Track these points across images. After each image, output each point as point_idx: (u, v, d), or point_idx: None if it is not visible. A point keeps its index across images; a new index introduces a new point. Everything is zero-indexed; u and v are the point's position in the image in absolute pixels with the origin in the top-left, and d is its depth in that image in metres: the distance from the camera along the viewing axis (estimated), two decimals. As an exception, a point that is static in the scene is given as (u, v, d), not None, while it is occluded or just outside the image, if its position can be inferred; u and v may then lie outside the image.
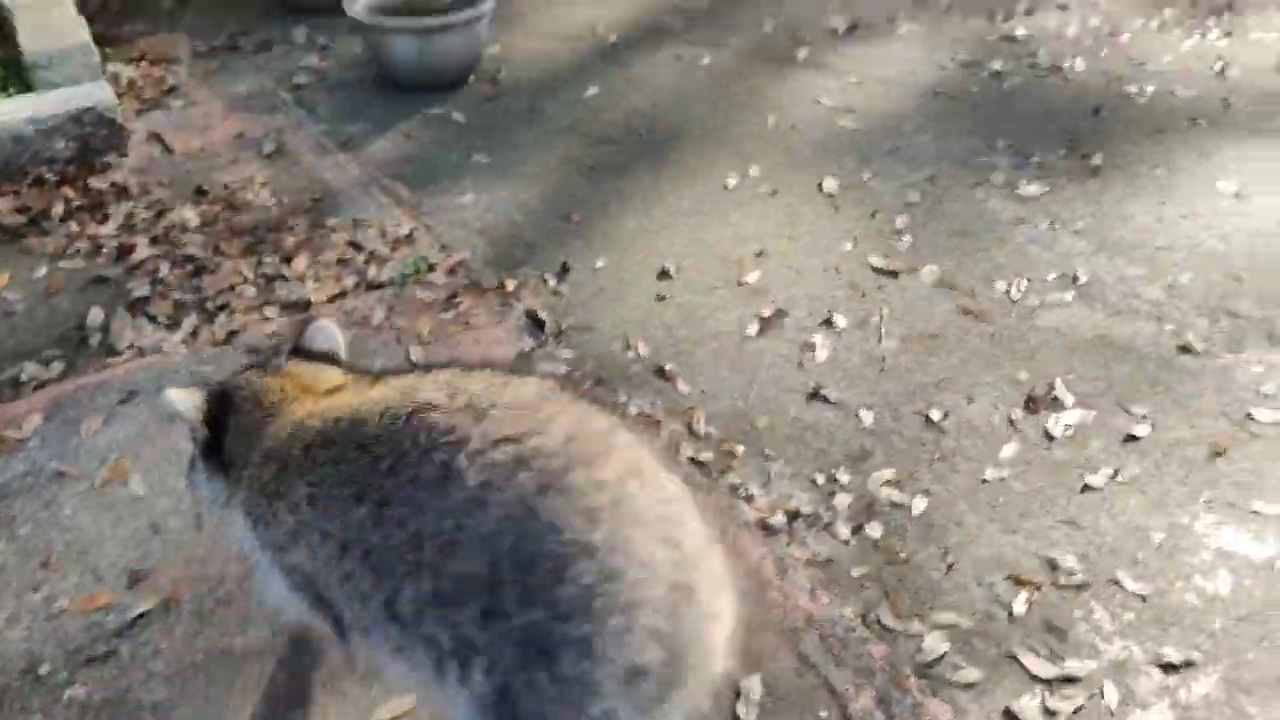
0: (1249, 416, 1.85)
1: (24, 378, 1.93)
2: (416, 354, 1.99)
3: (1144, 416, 1.85)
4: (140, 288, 2.16)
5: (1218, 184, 2.55)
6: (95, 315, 2.08)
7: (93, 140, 2.57)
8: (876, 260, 2.28)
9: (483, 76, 3.06)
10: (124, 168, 2.59)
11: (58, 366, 1.96)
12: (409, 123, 2.83)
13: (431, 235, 2.37)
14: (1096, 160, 2.65)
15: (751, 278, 2.24)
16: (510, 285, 2.19)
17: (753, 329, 2.09)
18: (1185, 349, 2.02)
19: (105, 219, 2.37)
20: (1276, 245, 2.32)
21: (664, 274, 2.25)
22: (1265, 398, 1.90)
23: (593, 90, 3.00)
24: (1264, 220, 2.40)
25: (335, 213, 2.43)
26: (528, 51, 3.23)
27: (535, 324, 2.08)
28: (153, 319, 2.08)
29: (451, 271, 2.23)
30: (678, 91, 3.01)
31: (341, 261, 2.25)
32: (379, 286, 2.17)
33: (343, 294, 2.15)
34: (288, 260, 2.24)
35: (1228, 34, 3.32)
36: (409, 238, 2.34)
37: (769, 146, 2.74)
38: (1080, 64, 3.13)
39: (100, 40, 2.91)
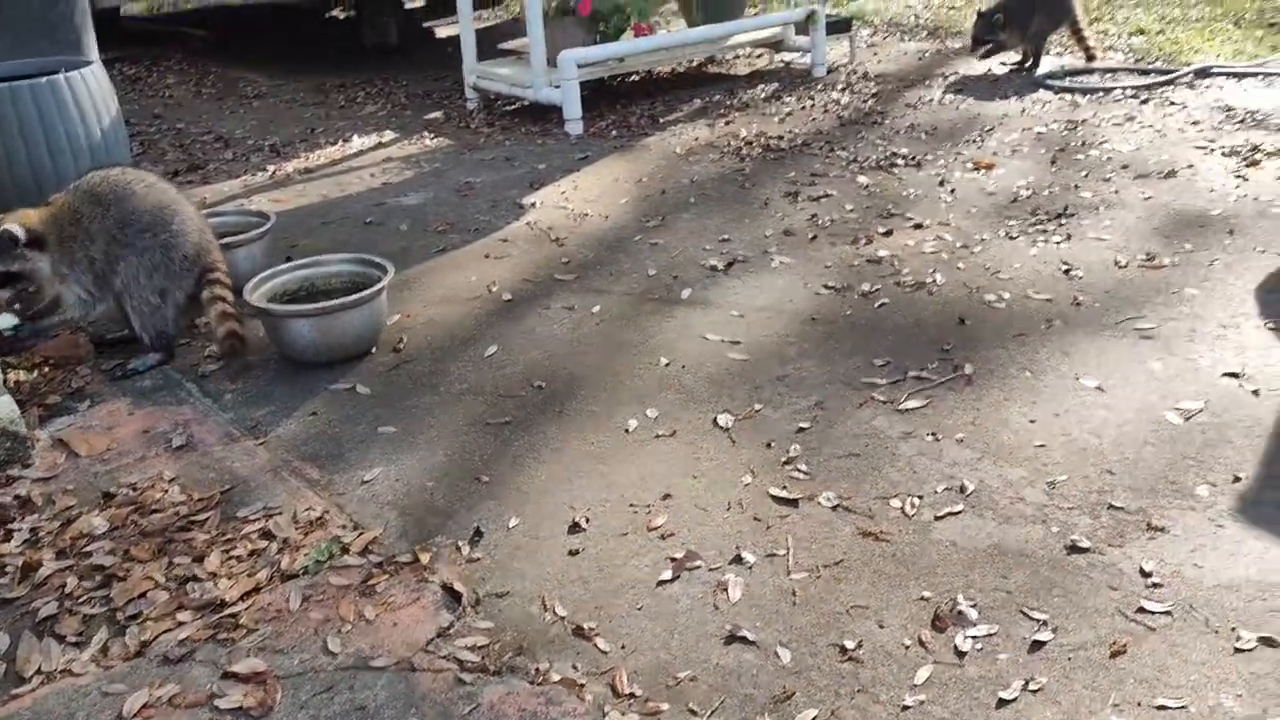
0: (1141, 610, 1.95)
1: (-74, 720, 1.87)
2: (335, 644, 1.99)
3: (1045, 622, 1.93)
4: (47, 606, 2.13)
5: (1081, 380, 2.75)
6: (0, 642, 2.04)
7: (-5, 455, 2.58)
8: (776, 491, 2.38)
9: (385, 347, 3.17)
10: (28, 479, 2.59)
11: (-38, 703, 1.90)
12: (314, 401, 2.91)
13: (344, 514, 2.40)
14: (968, 369, 2.84)
15: (660, 521, 2.31)
16: (425, 558, 2.22)
17: (667, 574, 2.14)
18: (1073, 549, 2.13)
19: (9, 536, 2.35)
20: (1140, 434, 2.49)
21: (575, 526, 2.31)
22: (1153, 589, 2.00)
23: (493, 349, 3.13)
24: (1125, 412, 2.59)
25: (246, 503, 2.45)
26: (428, 317, 3.37)
27: (452, 596, 2.11)
28: (60, 638, 2.05)
29: (365, 551, 2.25)
30: (573, 342, 3.15)
31: (255, 554, 2.26)
32: (294, 576, 2.18)
33: (257, 589, 2.15)
34: (200, 559, 2.24)
35: (1068, 237, 3.64)
36: (321, 520, 2.37)
37: (664, 386, 2.87)
38: (941, 278, 3.39)
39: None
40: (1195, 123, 4.79)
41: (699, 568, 2.16)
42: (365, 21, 7.44)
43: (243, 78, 7.10)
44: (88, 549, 2.31)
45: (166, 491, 2.51)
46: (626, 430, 2.67)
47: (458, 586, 2.12)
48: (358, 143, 5.41)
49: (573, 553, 2.23)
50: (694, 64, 6.48)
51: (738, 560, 2.17)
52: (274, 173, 4.96)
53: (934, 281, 3.37)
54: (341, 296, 3.10)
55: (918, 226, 3.83)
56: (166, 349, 3.16)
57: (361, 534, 2.31)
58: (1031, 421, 2.59)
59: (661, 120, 5.48)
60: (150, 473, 2.60)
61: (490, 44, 7.31)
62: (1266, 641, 1.86)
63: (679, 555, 2.19)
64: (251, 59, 7.68)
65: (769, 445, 2.57)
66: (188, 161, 5.18)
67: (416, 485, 2.50)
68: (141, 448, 2.72)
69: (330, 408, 2.87)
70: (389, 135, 5.52)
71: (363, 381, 2.99)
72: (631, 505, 2.37)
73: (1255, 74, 5.46)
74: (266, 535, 2.33)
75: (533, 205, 4.35)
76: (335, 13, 9.26)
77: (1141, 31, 6.58)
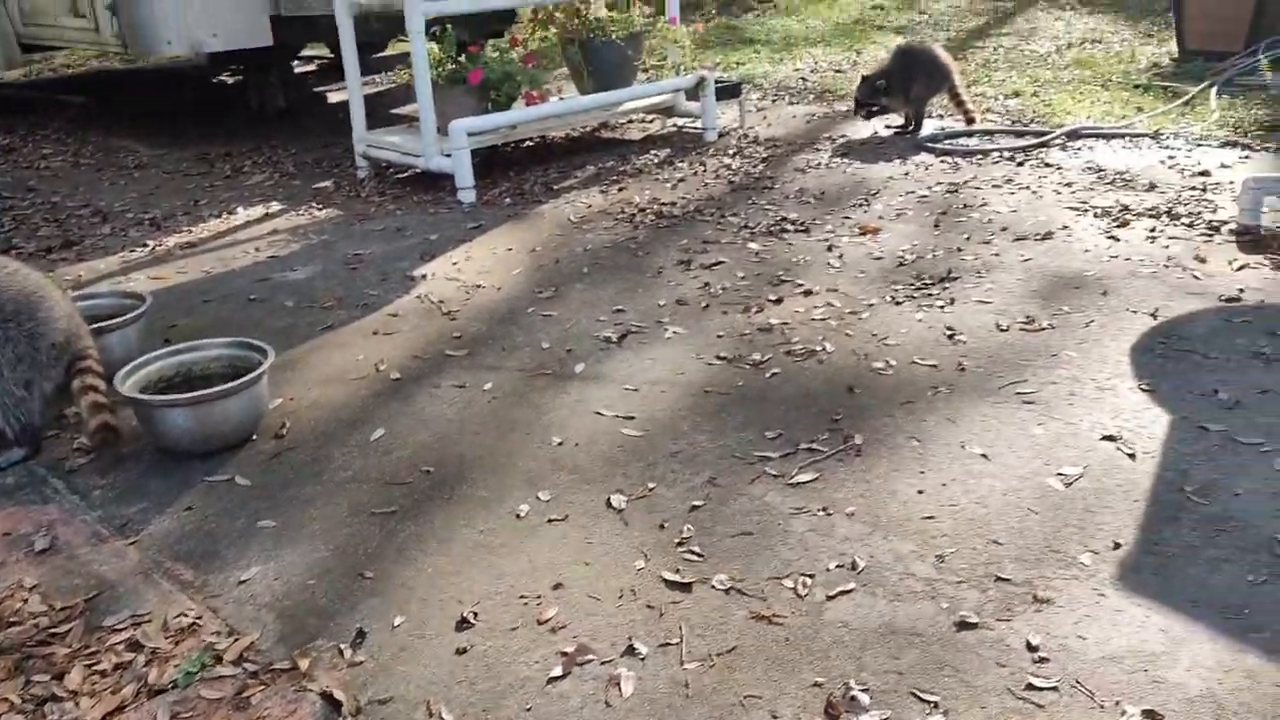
0: (1030, 687, 1.95)
1: None
2: (205, 766, 1.88)
3: (936, 705, 1.93)
4: (-113, 738, 1.97)
5: (967, 448, 2.79)
6: None
7: None
8: (669, 575, 2.35)
9: (266, 434, 3.06)
10: (-128, 593, 2.41)
11: None
12: (190, 494, 2.78)
13: (218, 619, 2.28)
14: (858, 439, 2.86)
15: (551, 613, 2.25)
16: (304, 664, 2.12)
17: (557, 670, 2.08)
18: (963, 625, 2.13)
19: None
20: (1025, 502, 2.53)
21: (464, 622, 2.24)
22: (1040, 664, 2.01)
23: (379, 432, 3.05)
24: (1010, 479, 2.63)
25: (113, 610, 2.32)
26: (311, 400, 3.27)
27: (332, 705, 2.01)
28: (-98, 774, 1.89)
29: (240, 659, 2.14)
30: (463, 422, 3.09)
31: (120, 668, 2.13)
32: (162, 691, 2.06)
33: (121, 707, 2.02)
34: (60, 676, 2.11)
35: (952, 301, 3.72)
36: (193, 627, 2.25)
37: (556, 467, 2.82)
38: (830, 346, 3.43)
39: None
40: (1069, 184, 4.97)
41: (591, 662, 2.10)
42: (252, 87, 7.31)
43: (124, 147, 6.91)
44: (-64, 670, 2.15)
45: (26, 601, 2.36)
46: (518, 516, 2.61)
47: (338, 695, 2.03)
48: (243, 214, 5.29)
49: (460, 651, 2.15)
50: (588, 129, 6.53)
51: (630, 651, 2.12)
52: (154, 248, 4.80)
53: (824, 350, 3.41)
54: (220, 383, 2.99)
55: (807, 293, 3.88)
56: (32, 443, 3.00)
57: (236, 640, 2.20)
58: (920, 492, 2.61)
59: (555, 187, 5.49)
60: (9, 581, 2.44)
61: (383, 109, 7.28)
62: (1149, 715, 1.88)
63: (570, 649, 2.13)
64: (134, 127, 7.49)
65: (662, 526, 2.54)
66: (62, 237, 4.99)
67: (296, 584, 2.40)
68: (2, 552, 2.56)
69: (207, 501, 2.75)
70: (276, 206, 5.41)
71: (242, 472, 2.88)
72: (522, 597, 2.31)
73: (1122, 135, 5.72)
74: (134, 646, 2.20)
75: (424, 277, 4.29)
76: (223, 77, 9.11)
77: (1017, 94, 6.85)
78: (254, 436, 3.05)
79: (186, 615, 2.29)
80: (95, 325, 3.36)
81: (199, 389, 2.99)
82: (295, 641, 2.20)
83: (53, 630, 2.26)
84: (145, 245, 4.85)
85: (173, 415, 2.91)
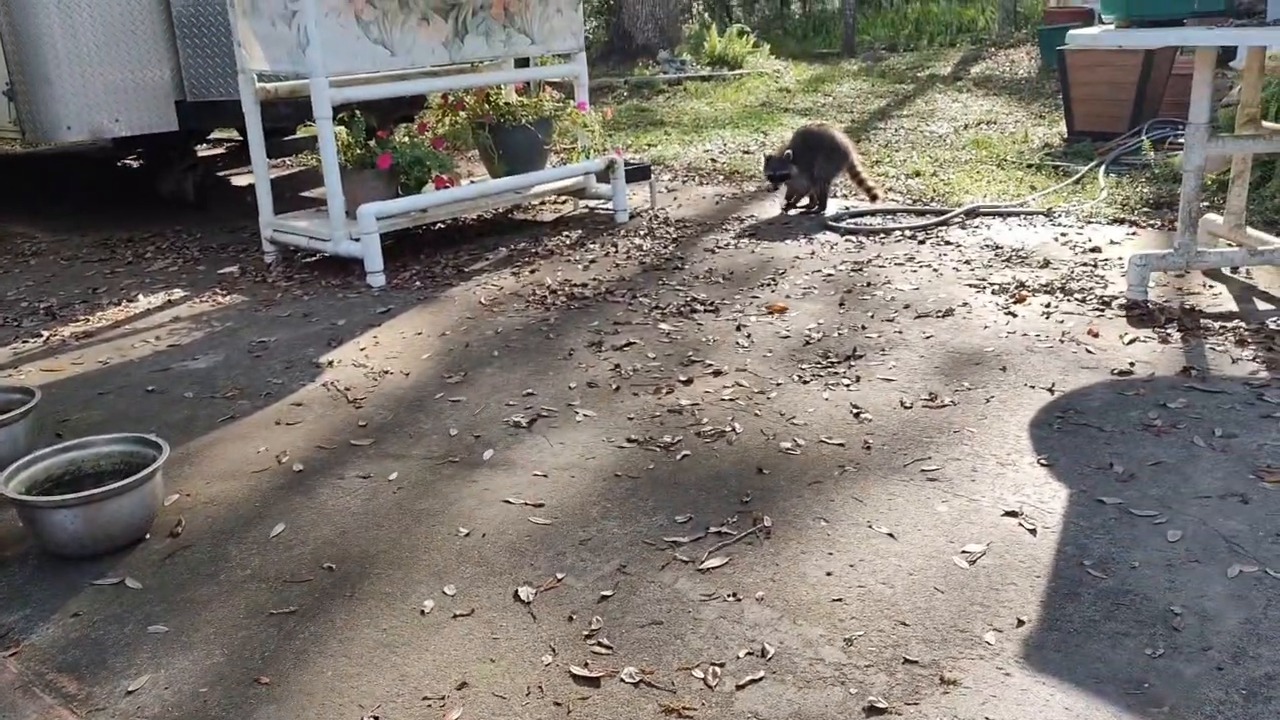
0: (938, 773, 1.95)
1: None
2: None
3: (846, 796, 1.91)
4: None
5: (873, 526, 2.81)
6: None
7: None
8: (577, 669, 2.30)
9: (160, 532, 2.95)
10: None
11: None
12: (77, 600, 2.66)
13: (102, 734, 2.17)
14: (767, 521, 2.86)
15: (455, 715, 2.18)
16: (193, 780, 2.02)
17: (462, 775, 2.02)
18: (871, 710, 2.12)
19: None
20: (930, 582, 2.55)
21: (364, 728, 2.16)
22: (948, 749, 2.01)
23: (280, 528, 2.96)
24: (916, 558, 2.65)
25: (-14, 729, 2.19)
26: (209, 495, 3.17)
27: (222, 825, 1.91)
28: None
29: (124, 778, 2.03)
30: (367, 515, 3.02)
31: (-9, 793, 2.01)
32: (36, 818, 1.94)
33: (-9, 838, 1.89)
34: (-77, 806, 1.97)
35: (857, 379, 3.78)
36: (74, 744, 2.13)
37: (463, 559, 2.77)
38: (739, 426, 3.45)
39: None
40: (968, 261, 5.13)
41: (496, 765, 2.04)
42: (160, 174, 7.19)
43: (21, 233, 6.73)
44: None
45: (-109, 724, 2.22)
46: (422, 612, 2.55)
47: (228, 813, 1.93)
48: (144, 302, 5.17)
49: (360, 759, 2.07)
50: (500, 211, 6.55)
51: (537, 752, 2.07)
52: (48, 339, 4.66)
53: (733, 430, 3.42)
54: (111, 481, 2.89)
55: (717, 373, 3.91)
56: (-94, 549, 2.85)
57: (121, 757, 2.09)
58: (828, 574, 2.61)
59: (467, 270, 5.48)
60: (-127, 702, 2.29)
61: (292, 192, 7.23)
62: (1056, 797, 1.88)
63: (474, 752, 2.07)
64: (31, 212, 7.31)
65: (570, 618, 2.49)
66: (-50, 328, 4.82)
67: (188, 693, 2.29)
68: None
69: (95, 607, 2.63)
70: (179, 293, 5.30)
71: (133, 574, 2.76)
72: (425, 699, 2.24)
73: (1017, 213, 5.93)
74: (8, 769, 2.07)
75: (330, 364, 4.22)
76: (128, 161, 8.96)
77: (918, 173, 7.08)
78: (147, 536, 2.93)
79: (67, 732, 2.17)
80: (-21, 422, 3.23)
81: (89, 487, 2.88)
82: (184, 756, 2.10)
83: (-81, 755, 2.12)
84: (39, 336, 4.70)
85: (59, 517, 2.79)
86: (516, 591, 2.61)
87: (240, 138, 9.37)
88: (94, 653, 2.45)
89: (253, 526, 2.98)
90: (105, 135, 6.35)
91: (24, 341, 4.64)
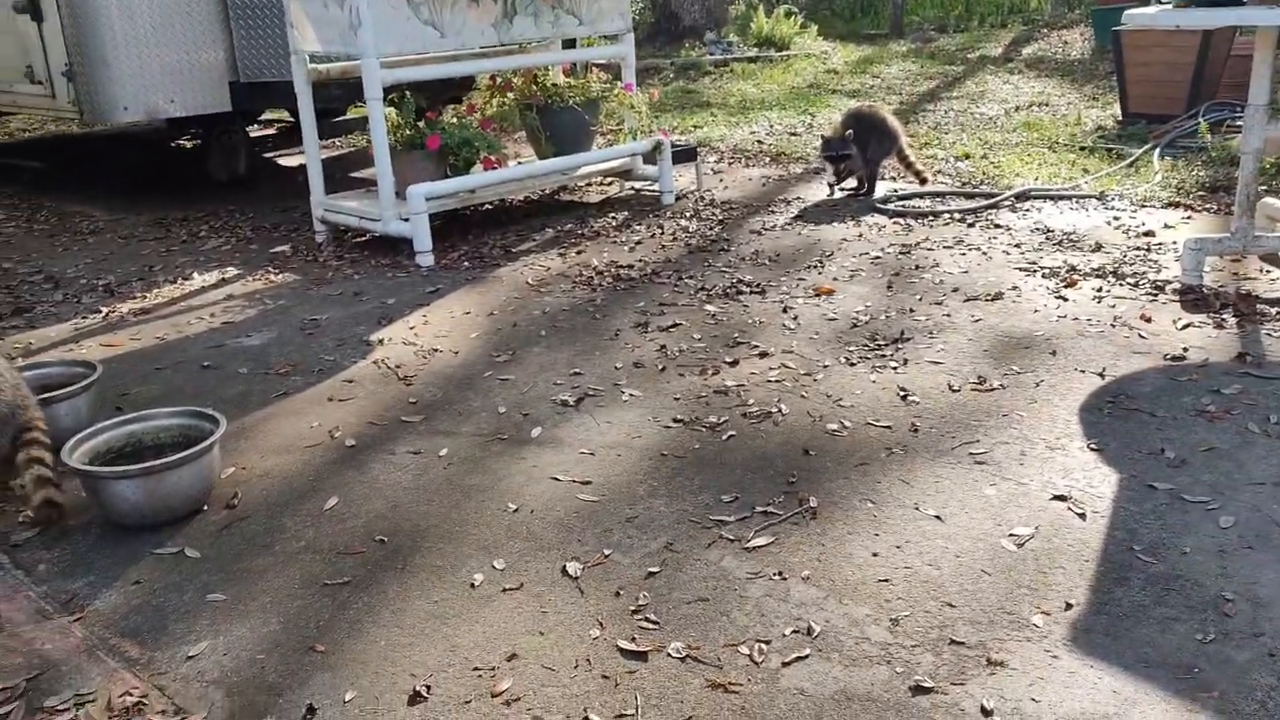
0: (984, 752, 1.96)
1: None
2: None
3: (891, 773, 1.92)
4: None
5: (920, 508, 2.81)
6: None
7: None
8: (625, 644, 2.33)
9: (217, 504, 3.02)
10: None
11: None
12: (138, 568, 2.73)
13: (165, 697, 2.23)
14: (813, 501, 2.87)
15: (505, 685, 2.22)
16: (252, 743, 2.08)
17: (512, 744, 2.06)
18: (917, 689, 2.14)
19: None
20: (977, 564, 2.55)
21: (416, 696, 2.20)
22: (994, 729, 2.02)
23: (333, 501, 3.02)
24: (963, 541, 2.65)
25: (56, 690, 2.26)
26: (264, 469, 3.23)
27: (280, 786, 1.97)
28: None
29: (186, 740, 2.10)
30: (418, 489, 3.07)
31: (60, 751, 2.08)
32: (103, 775, 2.01)
33: (60, 793, 1.97)
34: (-4, 762, 2.05)
35: (905, 362, 3.77)
36: (139, 706, 2.20)
37: (511, 534, 2.81)
38: (786, 408, 3.45)
39: None
40: (1018, 245, 5.08)
41: (545, 735, 2.08)
42: (213, 154, 7.29)
43: (79, 212, 6.86)
44: None
45: (-36, 683, 2.30)
46: (472, 585, 2.59)
47: (286, 775, 1.99)
48: (199, 280, 5.27)
49: (412, 726, 2.12)
50: (546, 193, 6.58)
51: (585, 723, 2.10)
52: (107, 315, 4.76)
53: (779, 411, 3.43)
54: (170, 453, 2.96)
55: (763, 355, 3.91)
56: (-25, 517, 2.94)
57: (183, 719, 2.16)
58: (874, 555, 2.62)
59: (514, 250, 5.52)
60: (-53, 662, 2.38)
61: (342, 173, 7.32)
62: (1103, 778, 1.88)
63: (524, 722, 2.11)
64: (89, 191, 7.45)
65: (618, 594, 2.52)
66: (13, 304, 4.93)
67: (246, 659, 2.35)
68: (-61, 632, 2.50)
69: (155, 575, 2.71)
70: (232, 271, 5.40)
71: (192, 544, 2.83)
72: (476, 669, 2.28)
73: (1069, 196, 5.86)
74: (76, 728, 2.15)
75: (380, 342, 4.28)
76: (182, 141, 9.11)
77: (967, 156, 7.00)
78: (205, 507, 3.00)
79: (132, 694, 2.23)
80: (44, 395, 3.32)
81: (149, 459, 2.95)
82: (244, 719, 2.16)
83: (-9, 713, 2.20)
84: (98, 312, 4.81)
85: (121, 487, 2.86)
86: (564, 567, 2.64)
87: (291, 119, 9.48)
88: (155, 619, 2.52)
89: (307, 499, 3.04)
90: (160, 116, 6.46)
91: (84, 317, 4.75)
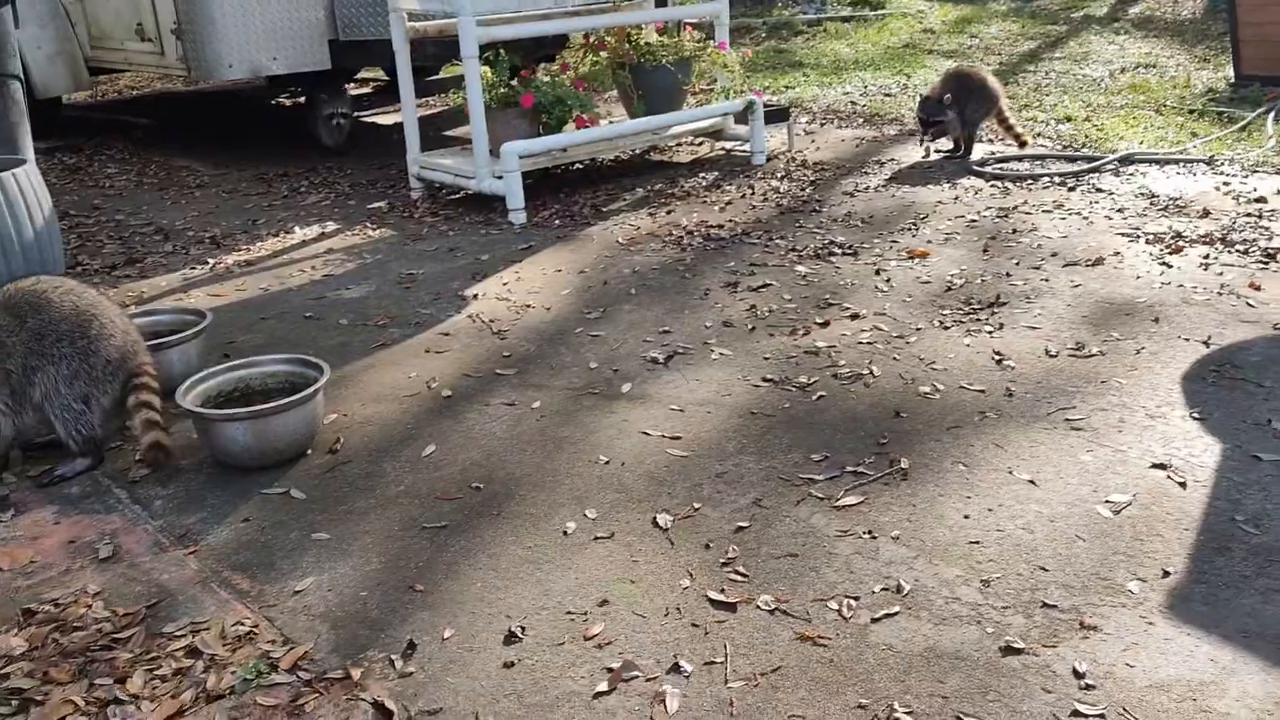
0: (1075, 714, 1.95)
1: None
2: (260, 770, 1.93)
3: (980, 729, 1.93)
4: (-41, 736, 2.05)
5: (1014, 473, 2.79)
6: (-93, 777, 1.95)
7: (-89, 571, 2.49)
8: (714, 594, 2.37)
9: (321, 448, 3.13)
10: (-55, 596, 2.51)
11: None
12: (247, 506, 2.86)
13: (274, 628, 2.34)
14: (904, 463, 2.86)
15: (597, 629, 2.28)
16: (356, 674, 2.17)
17: (603, 685, 2.11)
18: (1008, 649, 2.13)
19: (-77, 659, 2.27)
20: (1072, 529, 2.52)
21: (511, 637, 2.28)
22: (1086, 691, 2.01)
23: (431, 449, 3.11)
24: (1057, 505, 2.62)
25: (173, 617, 2.39)
26: (365, 416, 3.34)
27: (383, 715, 2.06)
28: (-28, 771, 1.97)
29: (295, 668, 2.20)
30: (512, 440, 3.14)
31: (180, 673, 2.20)
32: (220, 697, 2.12)
33: (181, 712, 2.08)
34: (122, 680, 2.17)
35: (1000, 326, 3.71)
36: (250, 635, 2.31)
37: (603, 486, 2.86)
38: (877, 369, 3.44)
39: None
40: (1120, 210, 4.94)
41: (636, 678, 2.13)
42: (320, 121, 7.21)
43: (186, 166, 7.09)
44: (4, 670, 2.23)
45: (90, 607, 2.44)
46: (565, 533, 2.65)
47: (389, 704, 2.07)
48: (300, 234, 5.41)
49: (508, 665, 2.19)
50: (637, 152, 6.59)
51: (675, 669, 2.15)
52: (214, 266, 4.93)
53: (870, 373, 3.42)
54: (277, 398, 3.07)
55: (854, 316, 3.89)
56: (95, 453, 3.10)
57: (291, 649, 2.26)
58: (966, 517, 2.61)
59: (604, 209, 5.55)
60: (74, 587, 2.52)
61: (436, 131, 7.41)
62: (1198, 744, 1.87)
63: (616, 665, 2.16)
64: (195, 147, 7.69)
65: (707, 546, 2.56)
66: (126, 255, 5.14)
67: (349, 595, 2.45)
68: (66, 560, 2.65)
69: (263, 513, 2.82)
70: (331, 226, 5.53)
71: (297, 485, 2.94)
72: (569, 613, 2.35)
73: (1176, 161, 5.67)
74: (193, 653, 2.26)
75: (475, 297, 4.36)
76: (281, 99, 9.32)
77: (1069, 118, 6.81)
78: (309, 451, 3.12)
79: (243, 624, 2.35)
80: (157, 341, 3.47)
81: (256, 404, 3.07)
82: (348, 651, 2.25)
83: (115, 635, 2.33)
84: (205, 263, 4.98)
85: (231, 429, 2.99)
86: (655, 518, 2.69)
87: (388, 78, 9.62)
88: (264, 555, 2.64)
89: (405, 446, 3.14)
90: (263, 73, 6.62)
91: (192, 268, 4.92)
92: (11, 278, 3.49)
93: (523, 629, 2.29)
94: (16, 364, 2.98)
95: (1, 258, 3.78)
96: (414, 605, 2.40)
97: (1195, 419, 2.99)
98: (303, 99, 7.86)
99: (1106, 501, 2.63)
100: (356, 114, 6.84)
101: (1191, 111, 6.71)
